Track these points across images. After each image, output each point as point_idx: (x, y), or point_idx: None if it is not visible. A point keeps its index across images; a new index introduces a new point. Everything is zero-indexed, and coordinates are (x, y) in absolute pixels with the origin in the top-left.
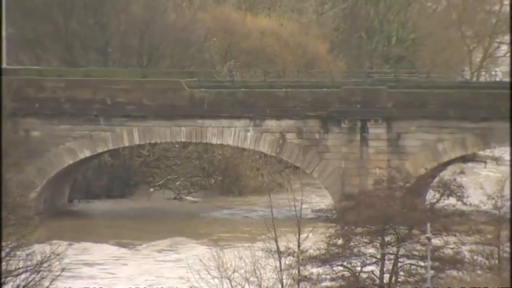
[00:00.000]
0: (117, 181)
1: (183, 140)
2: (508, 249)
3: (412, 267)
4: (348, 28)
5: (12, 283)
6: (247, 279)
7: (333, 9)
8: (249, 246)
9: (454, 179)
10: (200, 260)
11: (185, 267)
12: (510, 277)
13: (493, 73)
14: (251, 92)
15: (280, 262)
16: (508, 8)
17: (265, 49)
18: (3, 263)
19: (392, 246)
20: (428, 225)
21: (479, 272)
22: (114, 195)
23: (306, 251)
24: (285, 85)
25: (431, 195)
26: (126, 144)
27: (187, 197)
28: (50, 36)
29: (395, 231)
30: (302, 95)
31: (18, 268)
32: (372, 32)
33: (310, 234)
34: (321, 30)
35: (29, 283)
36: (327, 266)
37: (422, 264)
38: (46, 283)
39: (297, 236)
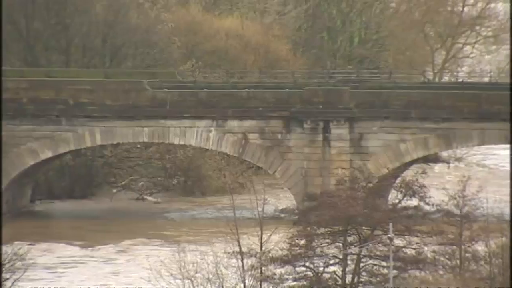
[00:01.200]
0: (79, 181)
1: (146, 140)
2: (469, 249)
3: (375, 267)
4: (311, 29)
5: None
6: (209, 280)
7: (295, 10)
8: (211, 247)
9: (417, 180)
10: (162, 261)
11: (147, 267)
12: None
13: (455, 73)
14: (213, 93)
15: (242, 263)
16: (468, 9)
17: (228, 50)
18: None
19: (355, 246)
20: (391, 225)
21: (441, 272)
22: (76, 195)
23: (269, 251)
24: (247, 86)
25: (393, 196)
26: (88, 145)
27: (150, 198)
28: (11, 36)
29: (357, 231)
30: (264, 95)
31: None
32: (334, 33)
33: (273, 235)
34: (283, 31)
35: None
36: (289, 266)
37: (385, 264)
38: (8, 284)
39: (260, 237)
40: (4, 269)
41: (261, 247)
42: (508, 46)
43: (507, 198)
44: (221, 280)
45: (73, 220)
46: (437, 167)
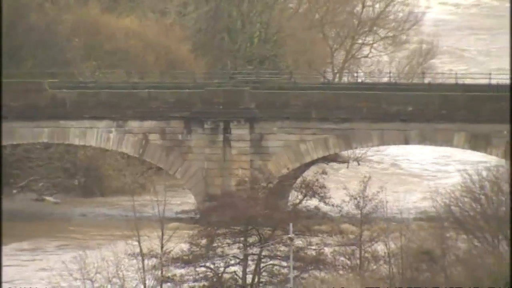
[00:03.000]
0: None
1: (46, 141)
2: (369, 249)
3: (275, 267)
4: (211, 29)
5: None
6: (109, 280)
7: (196, 11)
8: (112, 247)
9: (317, 180)
10: (62, 262)
11: (47, 268)
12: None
13: (355, 74)
14: (114, 93)
15: (143, 263)
16: (367, 10)
17: (128, 50)
18: None
19: (255, 246)
20: (291, 225)
21: (341, 272)
22: None
23: (169, 252)
24: (148, 86)
25: (294, 196)
26: None
27: (49, 198)
28: None
29: (258, 231)
30: (165, 96)
31: None
32: (234, 33)
33: (174, 235)
34: (184, 32)
35: None
36: (190, 267)
37: (285, 264)
38: None
39: (160, 237)
40: None
41: (161, 247)
42: (407, 46)
43: (407, 197)
44: (122, 281)
45: None
46: (337, 167)
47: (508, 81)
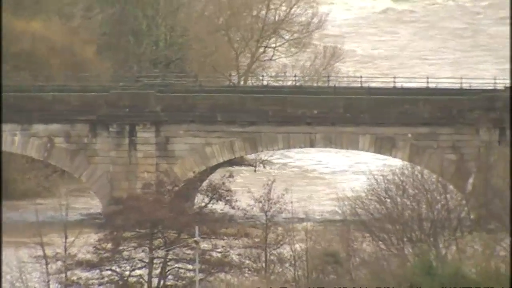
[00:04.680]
0: None
1: None
2: (274, 252)
3: (181, 270)
4: (116, 32)
5: None
6: (13, 285)
7: (101, 13)
8: (15, 251)
9: (223, 183)
10: None
11: None
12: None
13: (260, 77)
14: (18, 96)
15: (46, 267)
16: (272, 13)
17: (33, 53)
18: None
19: (161, 250)
20: (197, 228)
21: (246, 275)
22: None
23: (75, 255)
24: (53, 89)
25: (199, 199)
26: None
27: None
28: None
29: (163, 235)
30: (70, 99)
31: None
32: (140, 36)
33: (79, 239)
34: (89, 34)
35: None
36: (96, 270)
37: (191, 267)
38: None
39: (64, 241)
40: None
41: (65, 250)
42: (310, 50)
43: (313, 200)
44: (26, 285)
45: None
46: (244, 171)
47: (410, 85)
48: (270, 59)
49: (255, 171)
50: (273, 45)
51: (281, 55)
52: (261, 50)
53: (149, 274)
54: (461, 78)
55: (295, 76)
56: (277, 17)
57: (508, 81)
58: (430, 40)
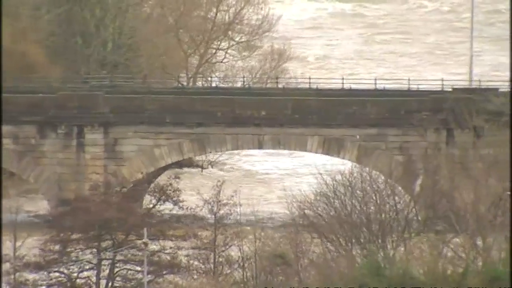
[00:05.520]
0: None
1: None
2: (223, 253)
3: (129, 272)
4: (64, 33)
5: None
6: None
7: (48, 14)
8: None
9: (171, 184)
10: None
11: None
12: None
13: (209, 78)
14: None
15: None
16: (222, 15)
17: None
18: None
19: (109, 251)
20: (145, 230)
21: (195, 276)
22: None
23: (23, 257)
24: (1, 91)
25: (148, 200)
26: None
27: None
28: None
29: (111, 236)
30: (18, 100)
31: None
32: (88, 37)
33: (27, 240)
34: (37, 35)
35: None
36: (44, 272)
37: (139, 269)
38: None
39: (13, 242)
40: None
41: (14, 252)
42: (261, 51)
43: (262, 201)
44: None
45: None
46: (193, 172)
47: (358, 86)
48: (221, 62)
49: (202, 171)
50: (223, 47)
51: (233, 58)
52: (211, 52)
53: (97, 275)
54: (409, 79)
55: (243, 77)
56: (227, 19)
57: (454, 83)
58: (380, 43)
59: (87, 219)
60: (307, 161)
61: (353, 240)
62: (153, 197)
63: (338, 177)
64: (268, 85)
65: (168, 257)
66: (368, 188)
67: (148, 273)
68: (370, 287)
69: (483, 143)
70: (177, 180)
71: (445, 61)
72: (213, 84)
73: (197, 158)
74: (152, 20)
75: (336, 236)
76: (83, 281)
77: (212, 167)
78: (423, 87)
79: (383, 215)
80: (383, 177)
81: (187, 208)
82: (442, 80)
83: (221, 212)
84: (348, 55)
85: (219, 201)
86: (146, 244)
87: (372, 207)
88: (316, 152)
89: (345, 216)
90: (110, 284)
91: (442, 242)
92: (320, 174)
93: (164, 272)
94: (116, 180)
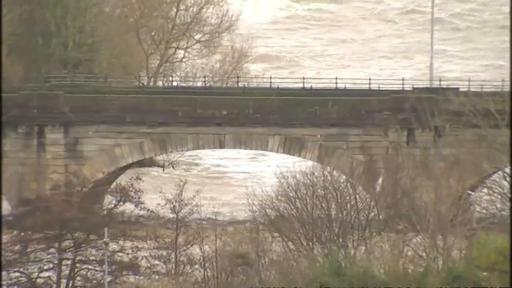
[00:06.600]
0: None
1: None
2: (185, 253)
3: (90, 272)
4: (25, 33)
5: None
6: None
7: (9, 14)
8: None
9: (132, 184)
10: None
11: None
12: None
13: (170, 78)
14: None
15: None
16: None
17: None
18: None
19: (70, 251)
20: (106, 230)
21: (156, 276)
22: None
23: None
24: None
25: (108, 200)
26: None
27: None
28: None
29: (72, 236)
30: None
31: None
32: (49, 37)
33: None
34: None
35: None
36: (3, 272)
37: (100, 269)
38: None
39: None
40: None
41: None
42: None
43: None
44: None
45: None
46: (154, 172)
47: (319, 86)
48: (181, 61)
49: (163, 171)
50: (184, 46)
51: (193, 57)
52: (172, 51)
53: (58, 275)
54: (370, 79)
55: (205, 77)
56: (188, 18)
57: (415, 82)
58: (343, 42)
59: (48, 218)
60: (273, 160)
61: (314, 240)
62: (114, 197)
63: (299, 176)
64: (229, 85)
65: (129, 257)
66: (330, 187)
67: (108, 273)
68: (331, 286)
69: (444, 143)
70: (138, 181)
71: (407, 63)
72: (174, 84)
73: (159, 157)
74: (113, 19)
75: (297, 235)
76: (43, 280)
77: (173, 167)
78: (384, 86)
79: (344, 215)
80: (344, 177)
81: (147, 210)
82: (403, 79)
83: (183, 211)
84: (309, 55)
85: (181, 201)
86: (106, 244)
87: (333, 207)
88: (277, 152)
89: (307, 216)
90: (70, 284)
91: (403, 241)
92: (282, 173)
93: (125, 273)
94: (77, 180)
